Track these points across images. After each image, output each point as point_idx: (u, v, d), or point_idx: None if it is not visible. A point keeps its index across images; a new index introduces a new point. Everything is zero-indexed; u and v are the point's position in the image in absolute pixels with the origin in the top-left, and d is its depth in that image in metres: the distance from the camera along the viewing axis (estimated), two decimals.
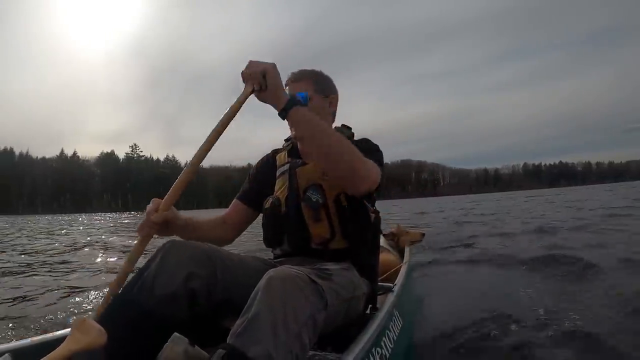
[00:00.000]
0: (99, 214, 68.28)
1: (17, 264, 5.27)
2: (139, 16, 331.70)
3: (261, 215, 1.30)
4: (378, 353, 1.02)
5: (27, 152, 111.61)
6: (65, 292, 3.30)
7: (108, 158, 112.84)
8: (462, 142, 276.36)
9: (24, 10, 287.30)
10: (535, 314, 2.09)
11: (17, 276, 4.36)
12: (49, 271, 4.62)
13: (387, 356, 1.08)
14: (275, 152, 1.40)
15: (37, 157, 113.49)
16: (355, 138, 1.33)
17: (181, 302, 0.86)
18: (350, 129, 1.36)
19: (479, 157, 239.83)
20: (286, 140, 1.41)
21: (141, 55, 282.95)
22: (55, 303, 2.94)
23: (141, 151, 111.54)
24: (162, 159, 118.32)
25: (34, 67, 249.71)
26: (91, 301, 2.95)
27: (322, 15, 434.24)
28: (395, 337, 1.21)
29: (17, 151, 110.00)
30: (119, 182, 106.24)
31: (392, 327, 1.23)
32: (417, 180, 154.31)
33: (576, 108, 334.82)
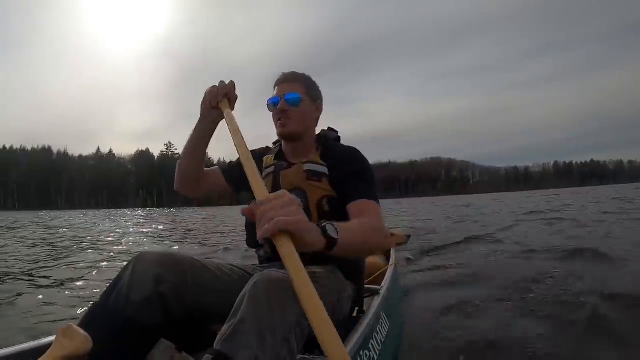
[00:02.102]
0: (139, 209, 68.91)
1: None
2: (169, 17, 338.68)
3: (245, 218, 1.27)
4: (366, 355, 1.02)
5: (65, 150, 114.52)
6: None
7: (143, 156, 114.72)
8: (493, 140, 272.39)
9: (58, 13, 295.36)
10: (524, 313, 2.10)
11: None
12: None
13: (375, 358, 1.08)
14: (265, 150, 1.39)
15: (72, 155, 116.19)
16: (344, 143, 1.35)
17: (156, 307, 0.87)
18: (336, 132, 1.39)
19: (509, 155, 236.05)
20: (274, 143, 1.41)
21: (171, 55, 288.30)
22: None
23: (176, 149, 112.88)
24: None
25: (68, 68, 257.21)
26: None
27: (350, 13, 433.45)
28: (382, 339, 1.21)
29: (55, 149, 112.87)
30: (154, 179, 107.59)
31: (379, 329, 1.23)
32: (447, 178, 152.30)
33: (609, 105, 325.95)
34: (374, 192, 1.14)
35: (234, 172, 1.34)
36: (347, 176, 1.17)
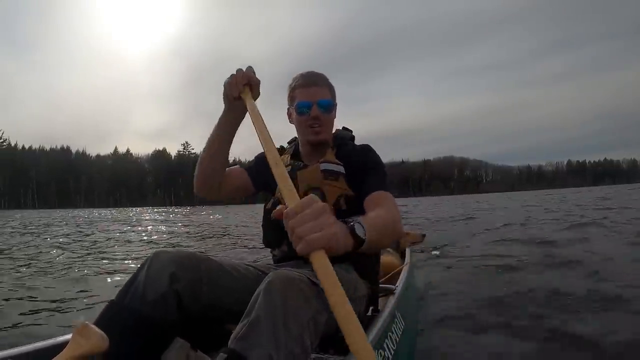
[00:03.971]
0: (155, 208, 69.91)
1: None
2: (180, 17, 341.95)
3: (262, 217, 1.30)
4: (380, 355, 1.02)
5: (84, 150, 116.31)
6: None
7: (160, 155, 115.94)
8: (505, 138, 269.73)
9: (71, 14, 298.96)
10: (540, 313, 2.06)
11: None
12: None
13: (390, 358, 1.07)
14: (280, 151, 1.36)
15: (89, 154, 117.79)
16: (357, 142, 1.35)
17: (170, 305, 0.88)
18: (350, 131, 1.39)
19: (522, 154, 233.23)
20: (289, 142, 1.41)
21: (183, 55, 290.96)
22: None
23: (192, 149, 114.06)
24: None
25: (82, 68, 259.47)
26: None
27: (361, 10, 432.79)
28: (397, 339, 1.20)
29: (72, 149, 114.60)
30: (171, 178, 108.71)
31: (394, 328, 1.22)
32: (460, 177, 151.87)
33: (622, 103, 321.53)
34: (385, 183, 1.17)
35: (259, 168, 1.30)
36: (361, 172, 1.19)
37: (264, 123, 0.91)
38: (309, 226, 0.63)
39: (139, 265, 0.93)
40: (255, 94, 1.03)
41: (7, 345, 0.91)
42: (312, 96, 1.21)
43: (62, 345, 0.66)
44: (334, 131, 1.35)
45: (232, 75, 1.02)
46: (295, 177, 1.22)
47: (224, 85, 1.03)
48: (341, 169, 1.21)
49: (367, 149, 1.27)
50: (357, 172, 1.19)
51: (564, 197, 19.86)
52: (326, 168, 1.21)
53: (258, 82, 1.03)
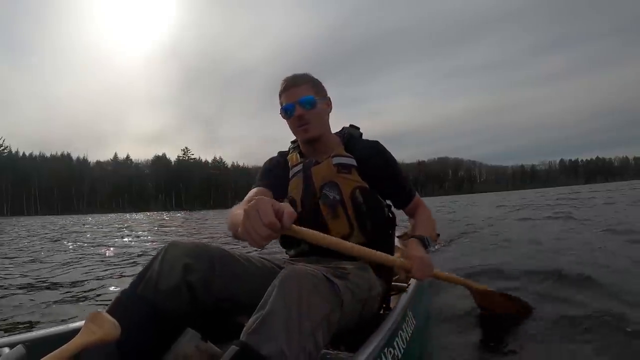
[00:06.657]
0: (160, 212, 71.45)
1: None
2: (174, 19, 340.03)
3: None
4: (390, 353, 1.02)
5: (85, 157, 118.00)
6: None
7: (160, 161, 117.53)
8: (499, 139, 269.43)
9: (67, 17, 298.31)
10: (556, 310, 2.00)
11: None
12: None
13: (400, 357, 1.07)
14: (283, 154, 1.44)
15: (90, 161, 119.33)
16: (366, 137, 1.39)
17: (183, 296, 0.89)
18: (358, 128, 1.42)
19: (516, 154, 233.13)
20: (293, 142, 1.45)
21: (177, 58, 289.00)
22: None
23: (192, 154, 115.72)
24: (209, 160, 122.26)
25: (78, 73, 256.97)
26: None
27: (356, 11, 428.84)
28: (408, 338, 1.21)
29: (71, 154, 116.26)
30: (172, 183, 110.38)
31: (405, 327, 1.23)
32: (455, 177, 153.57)
33: (615, 101, 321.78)
34: (411, 187, 1.36)
35: (276, 181, 1.32)
36: (383, 178, 1.25)
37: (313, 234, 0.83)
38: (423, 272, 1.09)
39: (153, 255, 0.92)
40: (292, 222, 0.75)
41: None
42: (292, 97, 1.23)
43: (74, 332, 0.66)
44: (340, 129, 1.40)
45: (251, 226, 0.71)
46: (310, 173, 1.26)
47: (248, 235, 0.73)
48: (353, 161, 1.24)
49: (379, 149, 1.30)
50: (376, 175, 1.24)
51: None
52: (339, 162, 1.23)
53: (294, 216, 0.75)
